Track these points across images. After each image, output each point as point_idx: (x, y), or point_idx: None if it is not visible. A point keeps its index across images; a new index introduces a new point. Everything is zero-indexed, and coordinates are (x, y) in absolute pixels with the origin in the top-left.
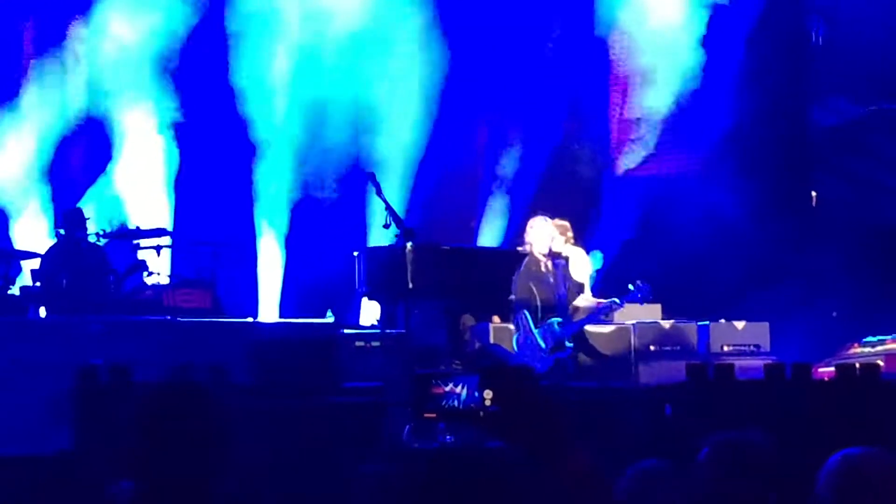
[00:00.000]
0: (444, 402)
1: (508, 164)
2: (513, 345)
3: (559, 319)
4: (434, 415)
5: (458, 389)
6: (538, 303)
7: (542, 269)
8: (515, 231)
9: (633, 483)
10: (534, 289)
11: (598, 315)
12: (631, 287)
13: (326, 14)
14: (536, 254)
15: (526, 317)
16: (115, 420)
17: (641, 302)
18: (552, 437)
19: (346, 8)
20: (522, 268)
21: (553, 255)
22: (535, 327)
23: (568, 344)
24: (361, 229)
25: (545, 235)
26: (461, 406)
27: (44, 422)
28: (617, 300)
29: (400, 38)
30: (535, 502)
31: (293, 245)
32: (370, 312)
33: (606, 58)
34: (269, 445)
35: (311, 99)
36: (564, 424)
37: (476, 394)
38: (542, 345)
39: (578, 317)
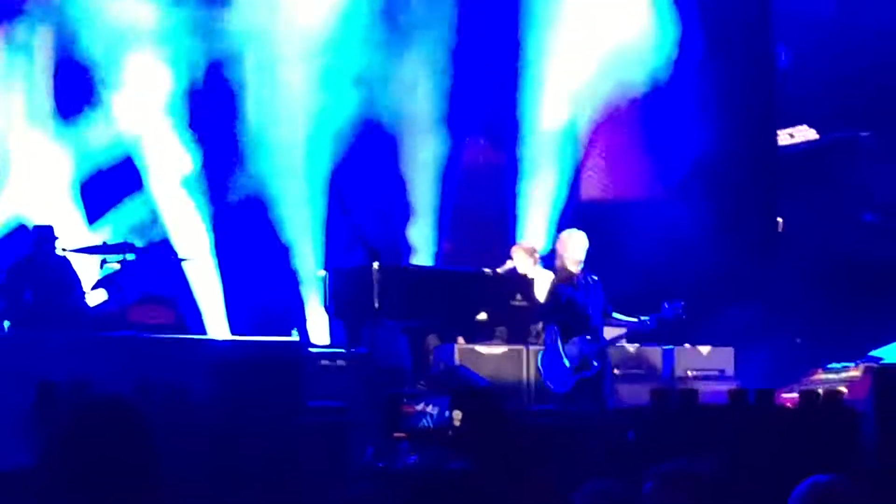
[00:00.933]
0: (414, 422)
1: (431, 186)
2: (538, 363)
3: (588, 337)
4: (404, 434)
5: (429, 409)
6: (568, 318)
7: (574, 283)
8: (443, 253)
9: (585, 502)
10: (565, 304)
11: (627, 334)
12: (666, 305)
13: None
14: (570, 267)
15: (555, 333)
16: (73, 438)
17: (674, 320)
18: (513, 456)
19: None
20: (553, 281)
21: (585, 271)
22: (563, 345)
23: (594, 363)
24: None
25: (579, 249)
26: (433, 426)
27: (4, 436)
28: (647, 319)
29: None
30: None
31: (227, 261)
32: (320, 328)
33: None
34: (232, 465)
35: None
36: (525, 446)
37: (446, 414)
38: (567, 363)
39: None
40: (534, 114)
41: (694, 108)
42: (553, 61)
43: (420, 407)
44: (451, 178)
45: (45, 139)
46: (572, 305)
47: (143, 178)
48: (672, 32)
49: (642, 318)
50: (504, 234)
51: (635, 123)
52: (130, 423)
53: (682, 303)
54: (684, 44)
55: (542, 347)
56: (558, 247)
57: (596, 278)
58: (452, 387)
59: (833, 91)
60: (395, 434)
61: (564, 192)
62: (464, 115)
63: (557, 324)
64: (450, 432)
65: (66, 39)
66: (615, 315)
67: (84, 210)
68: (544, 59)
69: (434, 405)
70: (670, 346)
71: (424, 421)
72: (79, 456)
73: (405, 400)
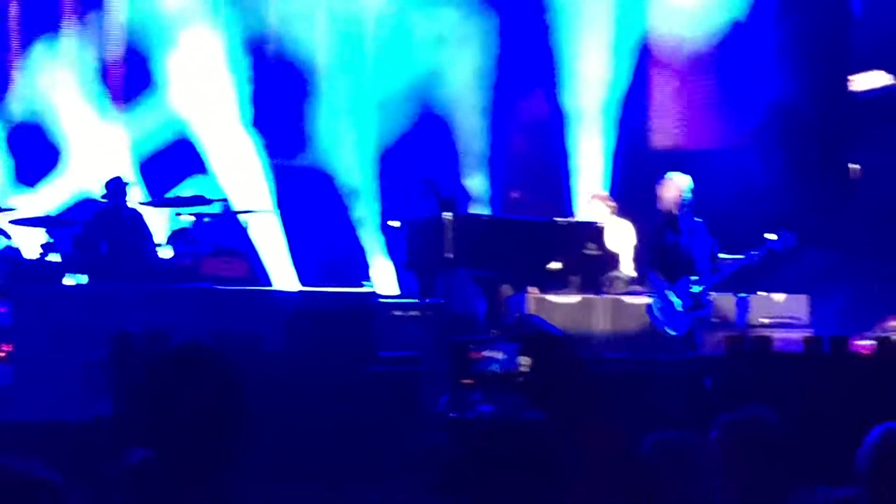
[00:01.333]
0: (482, 368)
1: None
2: (649, 311)
3: (695, 277)
4: (471, 381)
5: (496, 355)
6: (672, 261)
7: (678, 227)
8: (499, 204)
9: (654, 452)
10: (669, 247)
11: (734, 269)
12: (772, 237)
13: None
14: (673, 210)
15: (658, 277)
16: (150, 388)
17: (785, 252)
18: (585, 404)
19: None
20: (658, 226)
21: (689, 214)
22: (669, 287)
23: (704, 302)
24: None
25: (682, 191)
26: (500, 371)
27: (82, 388)
28: (755, 253)
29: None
30: (571, 471)
31: (289, 215)
32: (386, 279)
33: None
34: (306, 414)
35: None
36: (597, 394)
37: (515, 360)
38: (679, 306)
39: (619, 288)
40: (585, 64)
41: (769, 54)
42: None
43: (487, 353)
44: (508, 129)
45: (104, 120)
46: (676, 249)
47: (201, 150)
48: None
49: (751, 252)
50: (559, 182)
51: (708, 71)
52: (218, 370)
53: (791, 233)
54: None
55: (650, 293)
56: (662, 190)
57: (700, 220)
58: (522, 334)
59: None
60: (464, 381)
61: (613, 142)
62: (517, 69)
63: (661, 268)
64: (519, 379)
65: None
66: (721, 256)
67: (146, 189)
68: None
69: (501, 350)
70: (744, 294)
71: (492, 366)
72: (166, 403)
73: (471, 346)
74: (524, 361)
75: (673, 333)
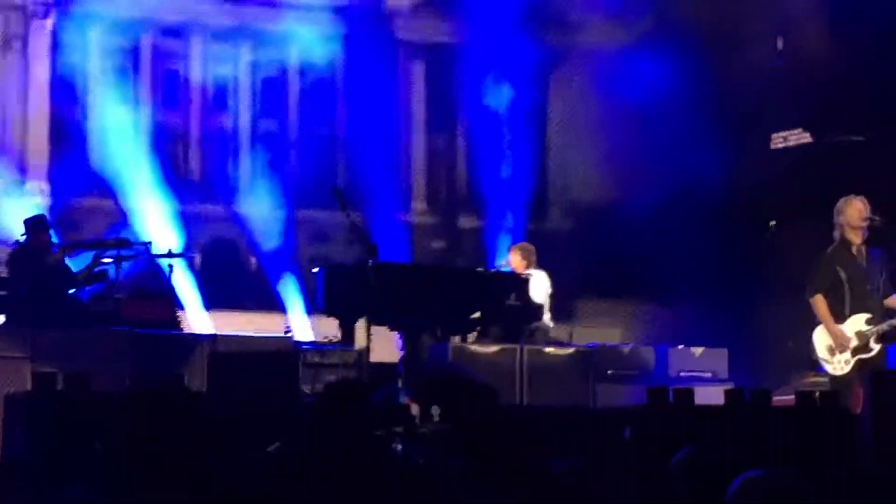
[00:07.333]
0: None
1: None
2: (813, 339)
3: (868, 315)
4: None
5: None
6: (845, 292)
7: (855, 253)
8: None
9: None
10: (841, 275)
11: None
12: None
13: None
14: (850, 236)
15: (824, 307)
16: (71, 428)
17: None
18: (513, 451)
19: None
20: (828, 251)
21: (866, 241)
22: (835, 322)
23: (873, 345)
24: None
25: (857, 215)
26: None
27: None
28: None
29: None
30: None
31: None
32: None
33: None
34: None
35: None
36: (523, 438)
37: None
38: (835, 343)
39: (539, 338)
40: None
41: (689, 112)
42: None
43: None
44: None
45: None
46: (849, 278)
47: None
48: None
49: None
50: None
51: (629, 126)
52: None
53: None
54: (678, 48)
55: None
56: (836, 215)
57: (878, 249)
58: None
59: (828, 94)
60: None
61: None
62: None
63: (830, 298)
64: (422, 429)
65: None
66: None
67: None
68: None
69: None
70: (664, 347)
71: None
72: (120, 441)
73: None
74: (434, 411)
75: (823, 371)
